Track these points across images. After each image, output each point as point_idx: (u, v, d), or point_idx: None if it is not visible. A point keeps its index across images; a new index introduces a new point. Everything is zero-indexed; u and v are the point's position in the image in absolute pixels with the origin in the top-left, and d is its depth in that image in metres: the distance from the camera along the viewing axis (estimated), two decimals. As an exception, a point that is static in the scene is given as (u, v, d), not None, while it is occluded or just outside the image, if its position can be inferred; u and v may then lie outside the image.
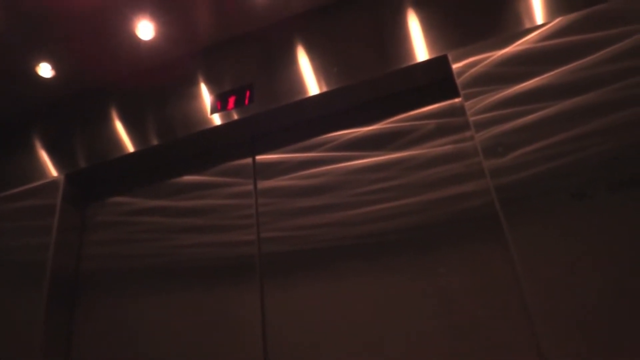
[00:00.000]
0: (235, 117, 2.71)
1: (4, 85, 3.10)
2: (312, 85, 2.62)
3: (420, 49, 2.43)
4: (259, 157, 2.79)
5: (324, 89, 2.57)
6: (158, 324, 2.61)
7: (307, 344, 2.25)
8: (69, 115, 3.28)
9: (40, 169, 3.11)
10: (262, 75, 2.78)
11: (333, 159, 2.60)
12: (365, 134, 2.58)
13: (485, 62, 2.21)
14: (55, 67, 2.98)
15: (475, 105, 2.14)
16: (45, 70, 2.98)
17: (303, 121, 2.78)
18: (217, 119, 2.76)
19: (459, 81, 2.23)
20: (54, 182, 2.96)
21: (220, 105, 2.79)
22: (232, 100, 2.78)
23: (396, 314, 2.15)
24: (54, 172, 3.06)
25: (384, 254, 2.29)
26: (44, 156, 3.16)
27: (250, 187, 2.73)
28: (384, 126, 2.55)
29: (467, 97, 2.17)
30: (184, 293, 2.63)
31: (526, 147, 1.99)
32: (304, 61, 2.71)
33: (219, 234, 2.69)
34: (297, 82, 2.66)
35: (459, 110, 2.40)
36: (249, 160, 2.81)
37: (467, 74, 2.22)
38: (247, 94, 2.75)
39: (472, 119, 2.13)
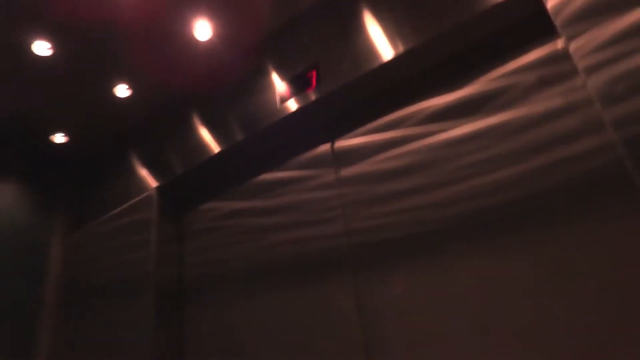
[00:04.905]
0: (305, 101, 2.51)
1: (89, 114, 3.26)
2: (385, 49, 2.31)
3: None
4: (337, 144, 2.57)
5: (398, 51, 2.25)
6: (259, 321, 2.59)
7: (406, 331, 2.06)
8: (151, 131, 3.34)
9: (135, 187, 3.21)
10: (328, 51, 2.53)
11: (418, 135, 2.29)
12: (451, 102, 2.22)
13: (587, -9, 1.73)
14: (131, 86, 3.03)
15: (582, 46, 1.69)
16: (122, 90, 3.06)
17: (380, 95, 2.48)
18: (287, 108, 2.59)
19: (557, 21, 1.78)
20: (148, 197, 3.04)
21: (289, 92, 2.62)
22: (299, 85, 2.58)
23: (508, 297, 1.83)
24: (147, 187, 3.15)
25: (487, 234, 1.96)
26: (137, 174, 3.27)
27: (332, 177, 2.53)
28: (472, 90, 2.17)
29: (570, 37, 1.72)
30: (280, 290, 2.56)
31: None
32: (371, 26, 2.40)
33: (308, 228, 2.55)
34: (366, 50, 2.36)
35: (561, 56, 1.93)
36: (327, 147, 2.60)
37: (565, 10, 1.76)
38: (314, 74, 2.53)
39: (581, 63, 1.68)
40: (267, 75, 2.78)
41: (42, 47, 2.66)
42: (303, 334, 2.38)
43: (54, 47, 2.67)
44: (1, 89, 2.93)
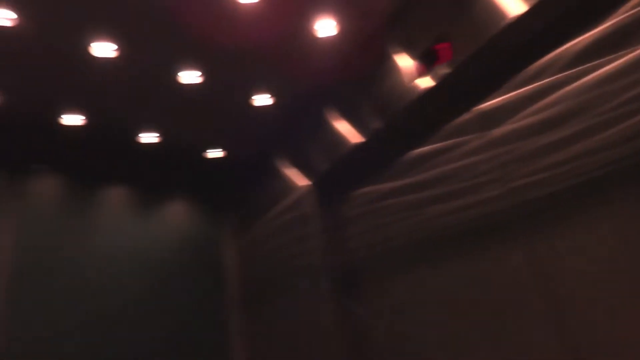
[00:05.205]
0: (439, 74, 2.54)
1: (239, 127, 3.63)
2: (512, 4, 2.25)
3: None
4: (479, 107, 2.57)
5: (530, 2, 2.15)
6: (430, 294, 2.70)
7: (598, 288, 1.99)
8: (295, 132, 3.59)
9: (291, 185, 3.50)
10: (452, 20, 2.53)
11: (564, 81, 2.19)
12: (594, 38, 2.09)
13: None
14: (271, 94, 3.32)
15: None
16: (264, 100, 3.36)
17: (514, 50, 2.41)
18: (421, 84, 2.65)
19: None
20: (304, 193, 3.31)
21: (421, 68, 2.67)
22: (429, 60, 2.61)
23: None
24: (301, 184, 3.41)
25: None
26: (290, 173, 3.55)
27: (481, 140, 2.54)
28: (614, 21, 2.02)
29: None
30: (446, 261, 2.64)
31: None
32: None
33: (465, 197, 2.58)
34: (492, 9, 2.32)
35: None
36: (469, 113, 2.61)
37: None
38: (443, 46, 2.55)
39: None
40: (395, 57, 2.85)
41: (192, 76, 3.04)
42: (479, 303, 2.44)
43: (204, 74, 3.03)
44: (164, 119, 3.39)
